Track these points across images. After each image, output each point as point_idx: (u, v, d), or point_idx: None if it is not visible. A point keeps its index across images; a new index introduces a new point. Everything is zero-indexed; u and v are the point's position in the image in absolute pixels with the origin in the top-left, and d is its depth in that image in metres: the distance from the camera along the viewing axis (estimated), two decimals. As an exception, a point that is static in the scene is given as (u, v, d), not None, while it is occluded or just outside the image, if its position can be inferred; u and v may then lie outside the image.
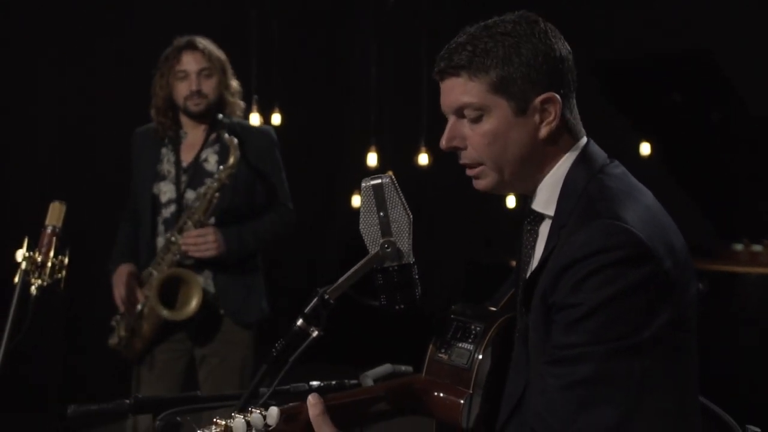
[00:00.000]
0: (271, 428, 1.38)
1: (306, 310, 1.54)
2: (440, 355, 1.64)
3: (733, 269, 4.96)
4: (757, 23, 5.50)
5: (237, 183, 3.27)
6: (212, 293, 3.29)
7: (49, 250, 2.35)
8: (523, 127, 1.56)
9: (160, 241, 3.29)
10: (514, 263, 1.77)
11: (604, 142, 1.65)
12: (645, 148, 5.65)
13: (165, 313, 3.20)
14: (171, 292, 3.24)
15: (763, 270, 4.93)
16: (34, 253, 2.34)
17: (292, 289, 4.58)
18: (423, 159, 5.64)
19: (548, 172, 1.59)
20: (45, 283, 2.34)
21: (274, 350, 1.53)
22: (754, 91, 5.21)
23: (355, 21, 6.73)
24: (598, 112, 2.51)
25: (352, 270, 1.56)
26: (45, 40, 4.77)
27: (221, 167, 3.22)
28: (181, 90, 3.29)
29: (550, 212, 1.58)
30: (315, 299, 1.54)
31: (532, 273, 1.55)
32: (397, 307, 1.59)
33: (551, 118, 1.56)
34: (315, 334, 1.53)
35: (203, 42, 3.32)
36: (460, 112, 1.58)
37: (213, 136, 3.33)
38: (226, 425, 1.36)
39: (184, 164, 3.32)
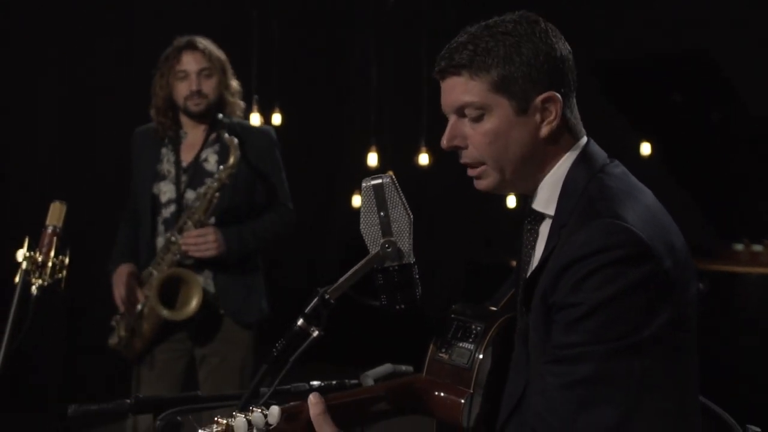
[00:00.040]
0: (272, 427, 1.38)
1: (306, 310, 1.54)
2: (441, 354, 1.65)
3: (734, 269, 4.96)
4: (757, 23, 5.50)
5: (237, 183, 3.27)
6: (212, 293, 3.29)
7: (49, 250, 2.35)
8: (524, 127, 1.56)
9: (160, 241, 3.29)
10: (514, 263, 1.77)
11: (605, 141, 1.65)
12: (645, 148, 5.66)
13: (165, 313, 3.20)
14: (171, 292, 3.24)
15: (764, 270, 4.93)
16: (35, 253, 2.34)
17: (292, 289, 4.58)
18: (423, 159, 5.64)
19: (549, 172, 1.59)
20: (45, 283, 2.34)
21: (274, 350, 1.53)
22: (754, 91, 5.21)
23: (356, 21, 6.73)
24: (599, 112, 2.51)
25: (353, 270, 1.56)
26: (45, 40, 4.77)
27: (221, 167, 3.22)
28: (181, 90, 3.29)
29: (551, 212, 1.58)
30: (315, 299, 1.54)
31: (532, 272, 1.55)
32: (397, 307, 1.59)
33: (552, 117, 1.56)
34: (315, 333, 1.53)
35: (203, 42, 3.32)
36: (461, 112, 1.58)
37: (213, 136, 3.33)
38: (227, 424, 1.36)
39: (184, 164, 3.32)
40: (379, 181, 1.56)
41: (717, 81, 5.16)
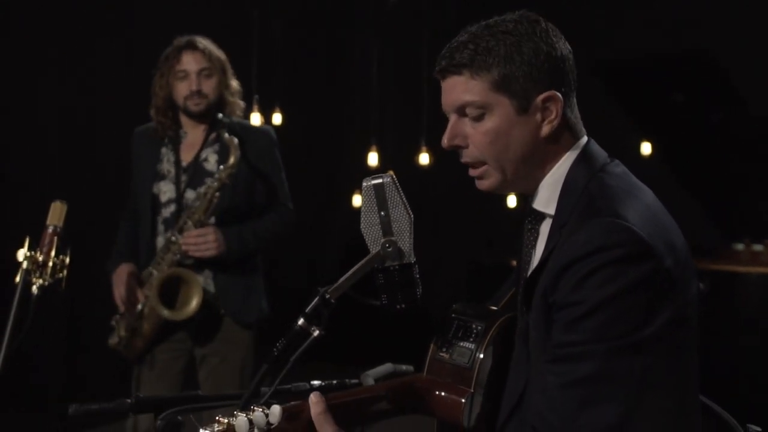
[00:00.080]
0: (273, 427, 1.38)
1: (307, 310, 1.54)
2: (441, 354, 1.65)
3: (734, 269, 4.96)
4: (757, 23, 5.50)
5: (237, 183, 3.27)
6: (212, 293, 3.29)
7: (50, 250, 2.35)
8: (525, 126, 1.56)
9: (160, 241, 3.29)
10: (515, 263, 1.77)
11: (605, 141, 1.65)
12: (646, 148, 5.66)
13: (165, 312, 3.20)
14: (171, 291, 3.24)
15: (764, 270, 4.93)
16: (36, 253, 2.34)
17: (292, 289, 4.58)
18: (424, 159, 5.64)
19: (549, 171, 1.59)
20: (46, 283, 2.34)
21: (275, 350, 1.53)
22: (754, 91, 5.22)
23: (356, 21, 6.73)
24: (599, 112, 2.51)
25: (353, 269, 1.55)
26: (45, 40, 4.77)
27: (222, 167, 3.22)
28: (181, 90, 3.29)
29: (551, 211, 1.58)
30: (316, 299, 1.54)
31: (532, 272, 1.55)
32: (398, 307, 1.59)
33: (553, 116, 1.56)
34: (316, 333, 1.53)
35: (203, 42, 3.32)
36: (461, 111, 1.58)
37: (213, 135, 3.33)
38: (228, 423, 1.36)
39: (184, 164, 3.32)
40: (380, 180, 1.56)
41: (717, 81, 5.17)
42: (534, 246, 1.63)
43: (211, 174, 3.27)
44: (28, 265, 2.32)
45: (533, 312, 1.52)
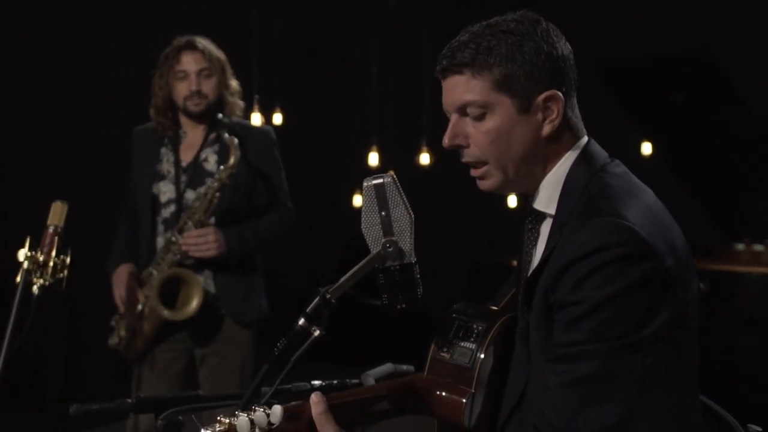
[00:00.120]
0: (274, 426, 1.38)
1: (308, 310, 1.54)
2: (442, 354, 1.65)
3: (735, 269, 4.97)
4: (757, 23, 5.50)
5: (237, 183, 3.27)
6: (212, 293, 3.29)
7: (51, 250, 2.36)
8: (526, 125, 1.56)
9: (160, 241, 3.29)
10: (515, 263, 1.77)
11: (605, 141, 1.66)
12: (646, 148, 5.66)
13: (165, 313, 3.20)
14: (171, 292, 3.24)
15: (764, 270, 4.93)
16: (36, 253, 2.34)
17: (292, 289, 4.58)
18: (424, 158, 5.64)
19: (550, 171, 1.59)
20: (47, 283, 2.34)
21: (275, 349, 1.53)
22: (754, 91, 5.22)
23: (356, 21, 6.73)
24: (599, 112, 2.51)
25: (354, 269, 1.55)
26: (45, 40, 4.77)
27: (222, 167, 3.22)
28: (181, 90, 3.29)
29: (551, 211, 1.58)
30: (317, 299, 1.54)
31: (533, 271, 1.55)
32: (398, 307, 1.59)
33: (554, 116, 1.56)
34: (316, 333, 1.53)
35: (203, 42, 3.32)
36: (462, 110, 1.58)
37: (212, 135, 3.32)
38: (230, 423, 1.36)
39: (184, 164, 3.32)
40: (381, 180, 1.56)
41: (717, 81, 5.17)
42: (534, 246, 1.63)
43: (211, 174, 3.27)
44: (28, 265, 2.32)
45: (534, 312, 1.52)
